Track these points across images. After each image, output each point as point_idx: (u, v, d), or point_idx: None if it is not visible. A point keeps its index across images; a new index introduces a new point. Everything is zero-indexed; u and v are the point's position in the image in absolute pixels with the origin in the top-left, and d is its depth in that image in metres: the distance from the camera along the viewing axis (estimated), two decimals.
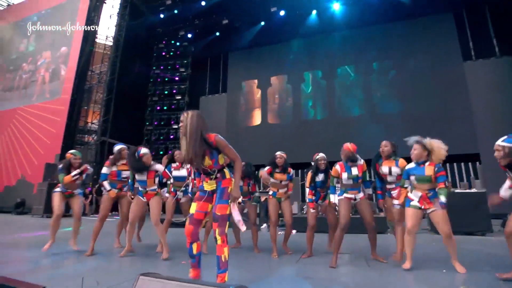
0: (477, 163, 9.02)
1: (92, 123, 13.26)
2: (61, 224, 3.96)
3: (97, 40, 13.76)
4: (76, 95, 12.15)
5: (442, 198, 2.72)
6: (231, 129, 13.03)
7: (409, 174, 2.92)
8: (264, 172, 3.75)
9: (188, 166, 3.79)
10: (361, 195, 3.21)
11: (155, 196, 3.49)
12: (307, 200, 3.65)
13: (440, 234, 2.79)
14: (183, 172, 3.88)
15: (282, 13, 12.34)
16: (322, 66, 12.19)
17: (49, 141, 11.58)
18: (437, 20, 10.78)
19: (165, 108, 14.14)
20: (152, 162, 3.48)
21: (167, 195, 3.79)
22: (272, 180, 3.73)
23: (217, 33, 13.75)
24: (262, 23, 12.94)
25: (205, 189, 2.17)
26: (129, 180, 3.54)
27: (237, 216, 2.12)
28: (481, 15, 10.41)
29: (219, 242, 2.02)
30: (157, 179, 3.52)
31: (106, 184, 3.71)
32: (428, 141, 2.87)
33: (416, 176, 2.85)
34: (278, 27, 12.57)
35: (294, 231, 5.03)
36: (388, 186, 3.31)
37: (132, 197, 3.48)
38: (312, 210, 3.56)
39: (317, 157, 3.63)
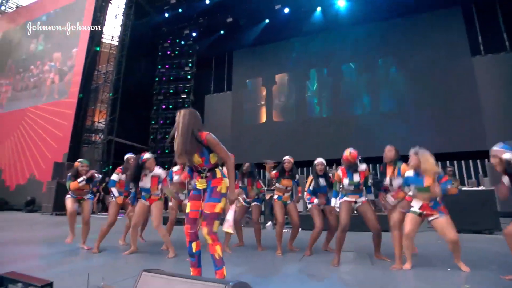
0: (486, 160, 8.84)
1: (99, 122, 13.41)
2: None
3: (103, 40, 13.89)
4: (83, 95, 12.31)
5: (447, 185, 2.71)
6: (236, 127, 13.05)
7: (409, 183, 2.89)
8: (269, 166, 3.76)
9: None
10: (362, 199, 3.17)
11: (158, 200, 3.56)
12: (308, 206, 3.72)
13: (446, 241, 2.71)
14: None
15: (286, 10, 12.23)
16: (327, 63, 12.08)
17: (57, 140, 11.76)
18: (445, 14, 10.55)
19: (170, 106, 14.18)
20: (155, 168, 3.53)
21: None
22: (278, 185, 3.76)
23: (222, 32, 13.70)
24: (267, 20, 12.85)
25: (197, 187, 2.20)
26: (132, 191, 3.60)
27: (229, 216, 2.10)
28: (491, 9, 10.13)
29: (209, 241, 2.03)
30: (160, 185, 3.56)
31: (114, 190, 3.85)
32: (421, 152, 2.82)
33: (415, 186, 2.83)
34: (282, 24, 12.46)
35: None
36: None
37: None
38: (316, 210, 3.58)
39: (315, 162, 3.66)
